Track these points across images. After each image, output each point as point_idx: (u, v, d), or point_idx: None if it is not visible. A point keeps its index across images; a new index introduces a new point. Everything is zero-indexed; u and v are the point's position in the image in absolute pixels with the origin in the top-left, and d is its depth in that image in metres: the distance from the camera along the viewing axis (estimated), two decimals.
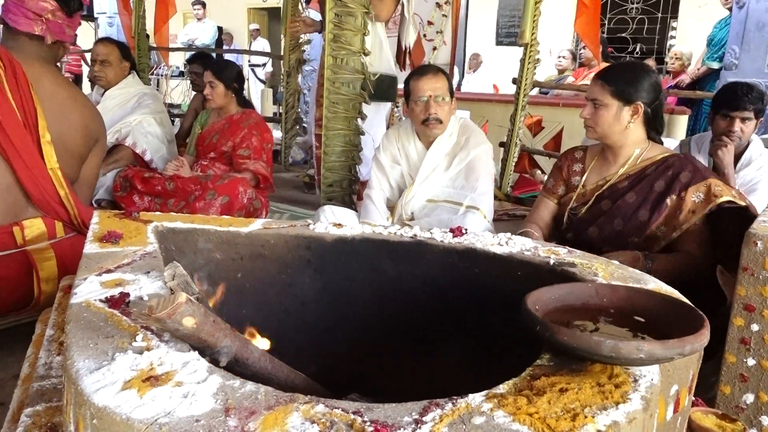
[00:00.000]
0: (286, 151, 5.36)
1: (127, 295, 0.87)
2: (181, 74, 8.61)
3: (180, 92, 9.20)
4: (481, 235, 1.34)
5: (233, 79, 3.26)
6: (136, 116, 3.46)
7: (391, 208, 2.37)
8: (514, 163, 4.37)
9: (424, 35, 4.93)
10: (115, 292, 0.90)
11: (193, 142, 3.42)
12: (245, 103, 3.39)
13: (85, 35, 10.96)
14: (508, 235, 1.35)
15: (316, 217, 2.36)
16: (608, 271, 1.13)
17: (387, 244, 1.34)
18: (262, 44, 11.47)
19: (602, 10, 5.68)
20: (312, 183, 4.69)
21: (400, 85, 3.68)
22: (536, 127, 5.17)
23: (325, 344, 1.39)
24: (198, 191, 2.98)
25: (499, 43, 9.13)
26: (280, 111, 9.21)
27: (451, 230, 1.35)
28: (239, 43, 12.01)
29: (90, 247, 1.15)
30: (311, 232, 1.37)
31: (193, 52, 6.02)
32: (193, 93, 4.83)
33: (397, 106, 3.90)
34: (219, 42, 9.62)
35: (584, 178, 1.93)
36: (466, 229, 1.35)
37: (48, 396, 1.00)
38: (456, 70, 7.20)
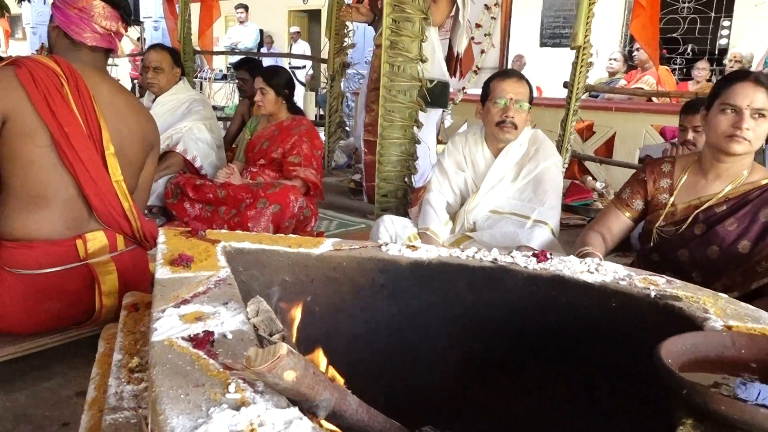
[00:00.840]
0: (329, 155, 5.32)
1: (212, 334, 0.81)
2: (224, 77, 8.69)
3: (223, 95, 9.28)
4: (568, 260, 1.25)
5: (284, 85, 3.23)
6: (187, 122, 3.45)
7: (453, 215, 2.29)
8: (564, 170, 4.24)
9: (472, 38, 4.83)
10: (197, 328, 0.85)
11: (243, 149, 3.40)
12: (295, 110, 3.35)
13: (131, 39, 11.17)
14: (597, 260, 1.26)
15: (375, 229, 2.29)
16: (719, 307, 1.03)
17: (466, 269, 1.26)
18: (303, 47, 11.50)
19: None
20: (358, 189, 4.64)
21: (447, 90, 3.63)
22: (587, 132, 5.01)
23: (397, 372, 1.32)
24: (249, 199, 2.95)
25: (543, 44, 8.94)
26: (321, 114, 9.22)
27: (535, 255, 1.27)
28: (279, 45, 12.08)
29: (162, 272, 1.11)
30: (385, 254, 1.30)
31: (240, 57, 6.03)
32: (240, 98, 4.83)
33: (448, 112, 3.81)
34: (260, 45, 9.68)
35: (674, 196, 1.79)
36: (550, 254, 1.26)
37: None
38: None
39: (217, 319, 0.89)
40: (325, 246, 1.33)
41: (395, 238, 2.19)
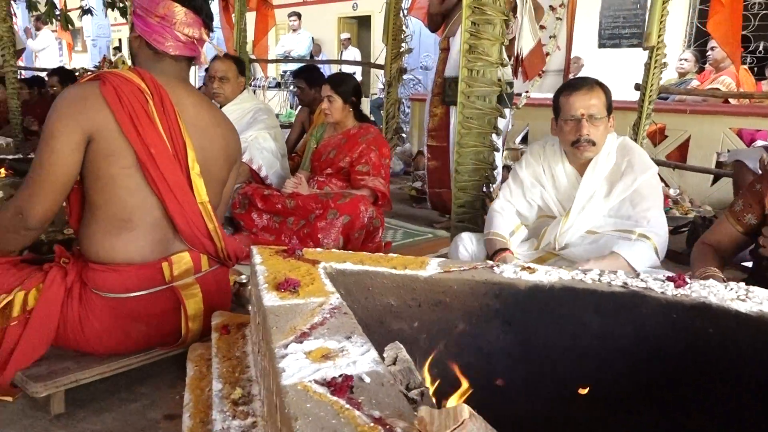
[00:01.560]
0: None
1: (350, 378, 0.72)
2: (278, 85, 8.74)
3: (276, 103, 9.35)
4: (710, 285, 1.12)
5: (351, 92, 3.15)
6: (252, 132, 3.42)
7: (533, 230, 2.15)
8: None
9: (539, 40, 4.67)
10: (329, 369, 0.76)
11: (308, 158, 3.34)
12: (362, 117, 3.27)
13: None
14: (743, 285, 1.12)
15: (453, 248, 2.18)
16: None
17: (592, 294, 1.14)
18: (354, 53, 11.50)
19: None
20: (419, 197, 4.54)
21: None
22: (659, 136, 4.78)
23: (511, 404, 1.21)
24: (319, 210, 2.88)
25: (601, 45, 8.64)
26: (373, 120, 9.20)
27: (671, 279, 1.13)
28: (328, 52, 12.11)
29: (270, 299, 1.02)
30: (500, 277, 1.19)
31: (300, 65, 6.02)
32: (299, 106, 4.81)
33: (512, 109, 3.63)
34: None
35: None
36: (689, 277, 1.13)
37: None
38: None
39: (346, 357, 0.80)
40: (433, 267, 1.23)
41: (475, 257, 2.07)
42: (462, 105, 2.41)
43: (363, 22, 12.87)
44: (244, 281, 2.19)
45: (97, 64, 7.77)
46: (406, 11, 5.78)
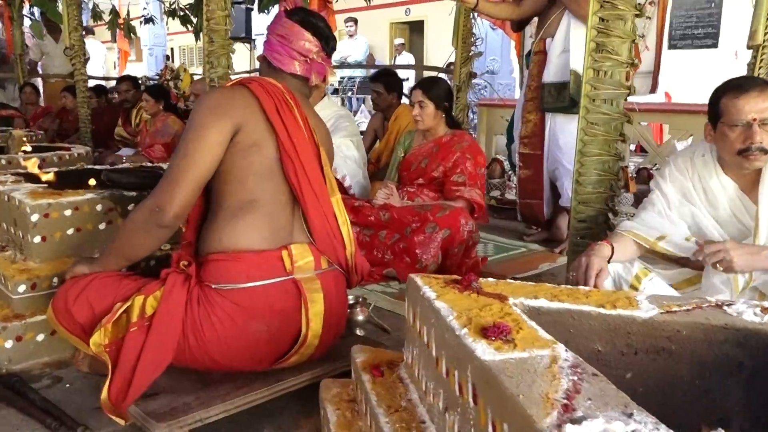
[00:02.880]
0: None
1: None
2: (336, 91, 8.65)
3: None
4: None
5: (444, 97, 2.96)
6: (335, 140, 3.25)
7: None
8: None
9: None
10: None
11: (395, 167, 3.16)
12: (454, 124, 3.07)
13: (242, 56, 11.40)
14: None
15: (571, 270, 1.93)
16: None
17: None
18: (407, 58, 11.34)
19: None
20: (500, 206, 4.32)
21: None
22: None
23: None
24: (416, 223, 2.69)
25: (672, 46, 8.25)
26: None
27: None
28: (380, 57, 12.00)
29: (484, 351, 0.83)
30: (742, 321, 0.96)
31: (356, 71, 5.89)
32: (356, 111, 4.66)
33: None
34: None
35: None
36: None
37: None
38: None
39: None
40: (648, 306, 1.02)
41: (619, 281, 1.83)
42: (586, 109, 2.18)
43: (415, 27, 12.73)
44: (350, 301, 2.03)
45: (159, 72, 7.79)
46: (476, 14, 5.58)
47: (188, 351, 1.47)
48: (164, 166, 2.71)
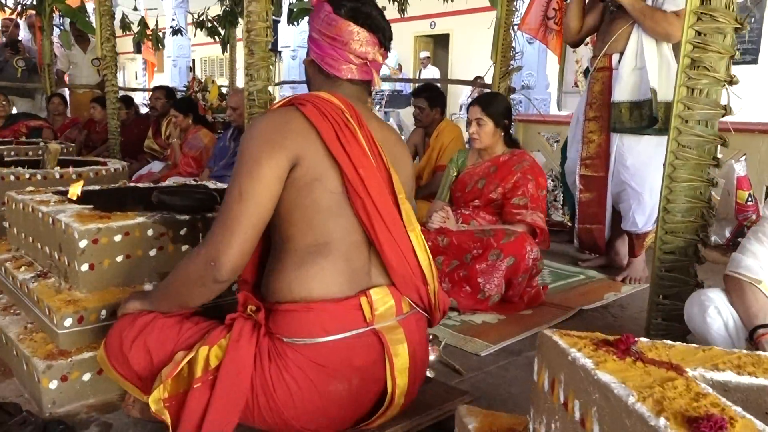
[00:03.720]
0: None
1: None
2: None
3: None
4: None
5: (504, 114, 2.79)
6: None
7: None
8: None
9: None
10: None
11: (447, 187, 2.98)
12: (513, 142, 2.89)
13: None
14: None
15: (696, 313, 1.71)
16: None
17: None
18: (433, 72, 11.24)
19: None
20: (549, 229, 4.11)
21: None
22: None
23: None
24: (478, 250, 2.51)
25: None
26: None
27: None
28: (406, 71, 11.87)
29: None
30: None
31: (419, 85, 5.67)
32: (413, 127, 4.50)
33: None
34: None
35: None
36: None
37: None
38: None
39: None
40: None
41: (734, 329, 1.63)
42: (677, 131, 2.00)
43: (440, 41, 12.61)
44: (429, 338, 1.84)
45: (187, 84, 7.71)
46: (516, 27, 5.42)
47: (257, 411, 1.30)
48: (210, 184, 2.55)
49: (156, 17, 10.23)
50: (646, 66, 2.73)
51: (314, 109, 1.36)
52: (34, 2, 6.70)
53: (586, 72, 3.45)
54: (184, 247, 1.92)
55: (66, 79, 7.45)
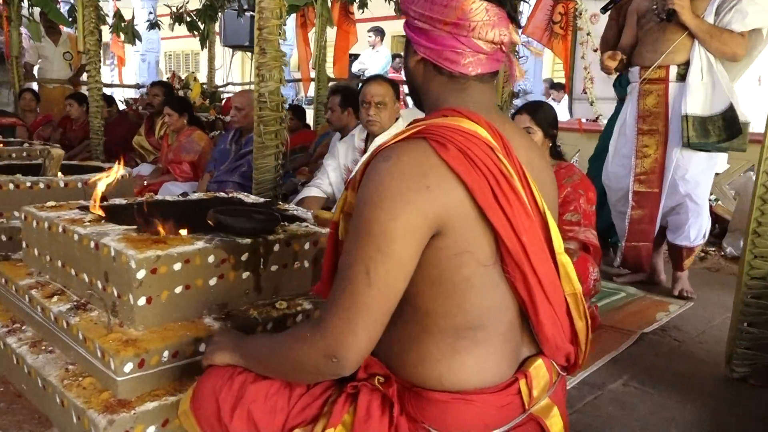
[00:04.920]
0: None
1: None
2: None
3: None
4: None
5: (551, 124, 2.64)
6: None
7: None
8: None
9: None
10: None
11: None
12: (558, 154, 2.75)
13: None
14: None
15: None
16: None
17: None
18: None
19: None
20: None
21: None
22: None
23: None
24: None
25: None
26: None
27: None
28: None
29: None
30: None
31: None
32: None
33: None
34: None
35: None
36: None
37: None
38: None
39: None
40: None
41: None
42: None
43: None
44: None
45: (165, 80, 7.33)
46: (520, 31, 5.34)
47: None
48: (245, 196, 2.32)
49: (132, 10, 9.75)
50: (715, 80, 2.66)
51: (459, 154, 1.02)
52: None
53: (618, 81, 3.35)
54: (245, 275, 1.70)
55: (35, 72, 6.98)
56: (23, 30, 6.49)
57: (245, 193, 2.51)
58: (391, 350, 1.13)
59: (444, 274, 1.05)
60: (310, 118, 6.24)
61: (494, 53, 1.11)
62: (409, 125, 1.12)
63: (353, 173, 1.23)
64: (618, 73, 3.28)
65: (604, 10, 3.21)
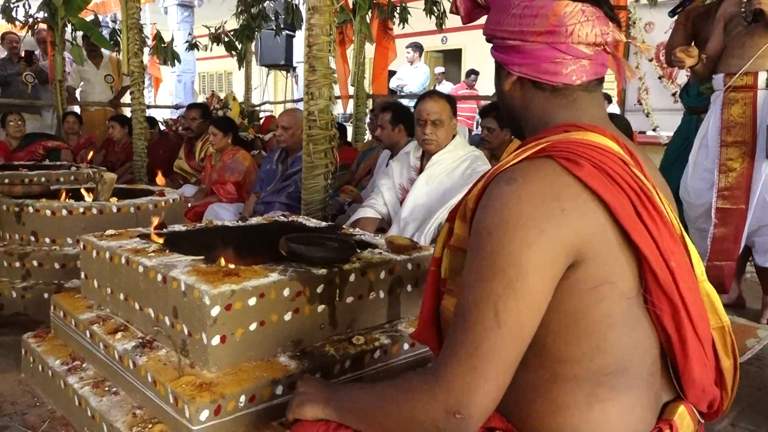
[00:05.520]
0: None
1: None
2: None
3: None
4: None
5: (627, 135, 2.47)
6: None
7: None
8: None
9: None
10: None
11: None
12: None
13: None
14: None
15: None
16: None
17: None
18: (447, 87, 10.97)
19: None
20: None
21: None
22: None
23: None
24: None
25: None
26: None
27: None
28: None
29: None
30: None
31: (486, 104, 5.36)
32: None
33: None
34: None
35: None
36: None
37: None
38: None
39: None
40: None
41: None
42: None
43: (450, 56, 12.37)
44: None
45: (205, 101, 7.34)
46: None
47: None
48: (305, 219, 2.20)
49: (172, 32, 9.87)
50: None
51: (594, 171, 0.89)
52: (45, 15, 6.35)
53: (686, 90, 3.17)
54: (320, 308, 1.57)
55: (77, 95, 7.06)
56: (66, 54, 6.57)
57: (306, 216, 2.40)
58: (513, 400, 0.98)
59: (580, 311, 0.90)
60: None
61: (597, 56, 0.98)
62: (519, 147, 0.99)
63: (461, 200, 1.07)
64: (686, 82, 3.11)
65: (672, 13, 3.05)
